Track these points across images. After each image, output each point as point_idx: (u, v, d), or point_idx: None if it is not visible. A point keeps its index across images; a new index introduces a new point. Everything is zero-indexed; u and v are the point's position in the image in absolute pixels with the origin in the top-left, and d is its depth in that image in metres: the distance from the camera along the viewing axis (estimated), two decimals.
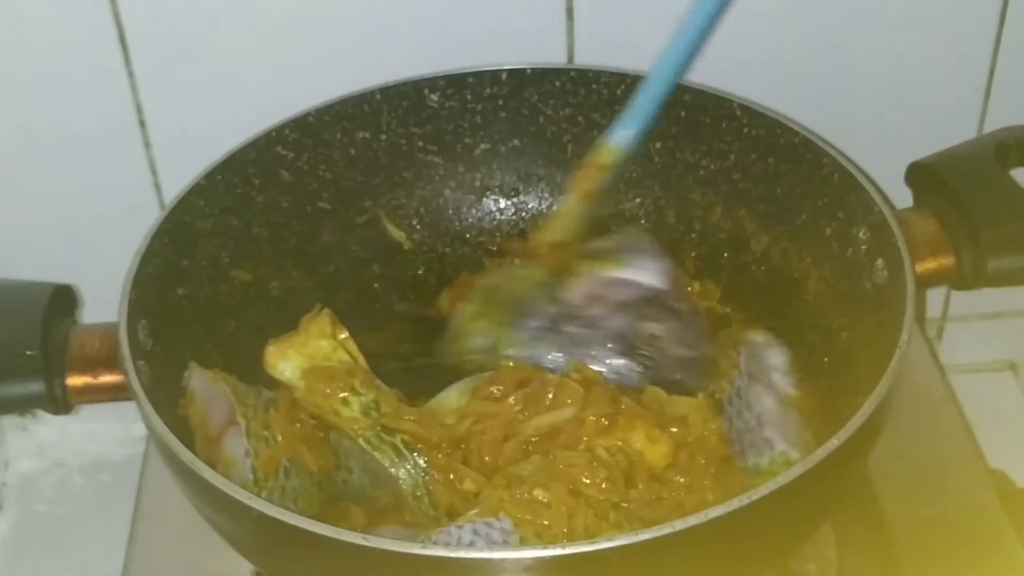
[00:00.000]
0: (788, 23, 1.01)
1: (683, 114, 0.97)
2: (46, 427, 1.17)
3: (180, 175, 0.90)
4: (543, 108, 1.01)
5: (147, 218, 0.88)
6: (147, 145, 1.02)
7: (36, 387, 0.81)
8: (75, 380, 0.82)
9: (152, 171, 1.04)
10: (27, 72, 0.98)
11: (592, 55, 1.01)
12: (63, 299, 0.86)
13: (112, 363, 0.80)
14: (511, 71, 0.99)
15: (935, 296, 1.18)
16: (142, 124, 1.01)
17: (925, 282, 0.87)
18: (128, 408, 1.11)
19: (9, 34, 0.96)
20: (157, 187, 1.05)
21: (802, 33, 1.02)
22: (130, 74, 0.99)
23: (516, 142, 1.02)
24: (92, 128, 1.01)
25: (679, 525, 0.65)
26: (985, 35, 1.03)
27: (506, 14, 1.00)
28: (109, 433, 1.16)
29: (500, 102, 1.00)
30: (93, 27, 0.96)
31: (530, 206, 1.04)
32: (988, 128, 1.07)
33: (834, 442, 0.69)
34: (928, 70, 1.05)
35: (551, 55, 1.02)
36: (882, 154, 0.96)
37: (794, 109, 0.95)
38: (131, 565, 0.90)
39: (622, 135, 0.92)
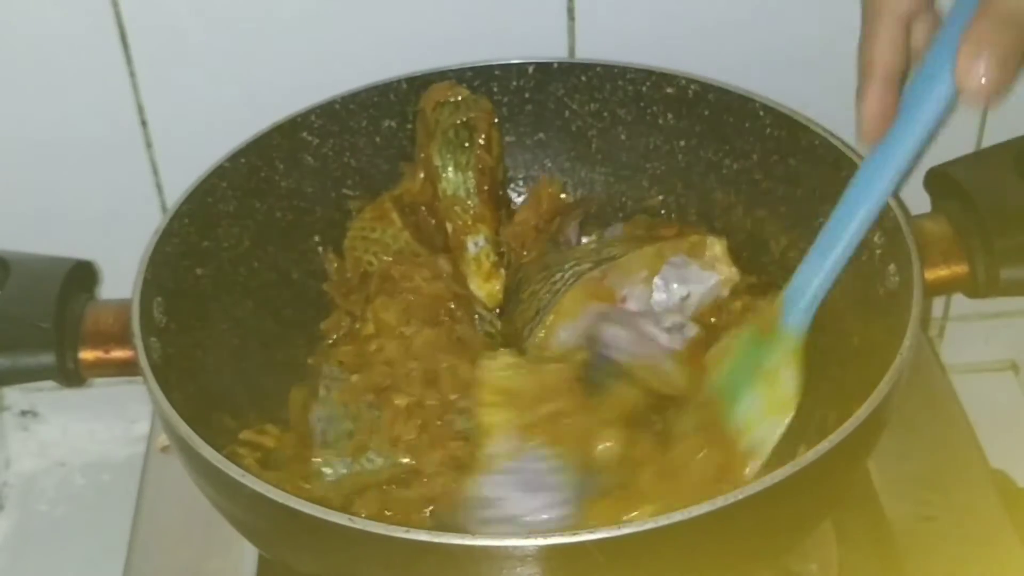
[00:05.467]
0: (814, 23, 1.01)
1: (707, 113, 0.97)
2: (47, 427, 1.19)
3: (181, 175, 0.91)
4: (569, 103, 1.01)
5: (148, 219, 0.89)
6: (148, 145, 1.04)
7: (47, 359, 0.82)
8: (87, 354, 0.83)
9: (153, 171, 1.05)
10: (29, 72, 0.99)
11: (593, 54, 1.01)
12: (82, 275, 0.88)
13: (125, 339, 0.81)
14: (538, 65, 1.00)
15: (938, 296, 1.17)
16: (143, 124, 1.03)
17: (937, 289, 0.87)
18: (129, 408, 1.14)
19: (11, 34, 0.97)
20: (159, 187, 1.06)
21: (828, 33, 1.01)
22: (132, 74, 1.00)
23: (541, 136, 1.03)
24: (93, 129, 1.02)
25: (667, 520, 0.66)
26: None
27: (507, 13, 1.00)
28: (110, 433, 1.18)
29: (526, 95, 1.01)
30: (95, 27, 0.97)
31: None
32: (987, 131, 1.07)
33: (825, 445, 0.69)
34: None
35: (552, 54, 1.02)
36: None
37: (819, 111, 0.94)
38: (132, 565, 0.91)
39: (795, 320, 0.78)
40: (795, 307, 0.78)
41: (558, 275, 0.88)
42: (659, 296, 0.91)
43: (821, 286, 0.78)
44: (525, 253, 0.97)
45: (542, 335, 0.87)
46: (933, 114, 0.73)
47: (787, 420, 0.77)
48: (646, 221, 0.99)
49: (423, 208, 0.97)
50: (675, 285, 0.91)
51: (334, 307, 0.95)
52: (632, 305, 0.89)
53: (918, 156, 0.74)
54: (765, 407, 0.78)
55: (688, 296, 0.91)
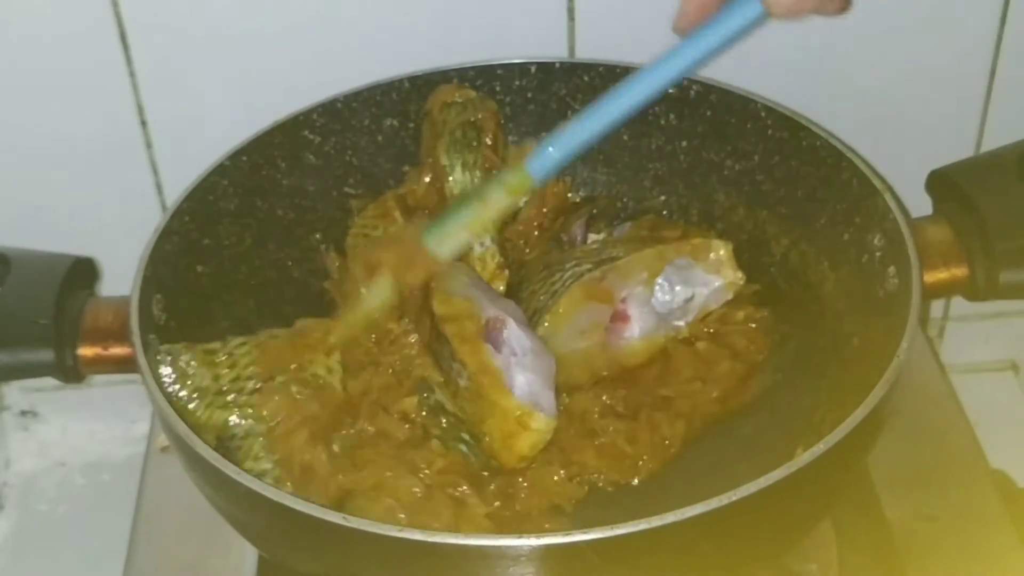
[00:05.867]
0: (815, 24, 1.00)
1: (709, 113, 0.97)
2: (47, 426, 1.19)
3: (181, 175, 0.91)
4: (571, 103, 1.01)
5: (148, 218, 0.89)
6: (148, 145, 1.04)
7: (46, 355, 0.82)
8: (86, 351, 0.84)
9: (153, 171, 1.05)
10: (29, 72, 0.99)
11: (592, 55, 1.02)
12: (82, 272, 0.88)
13: (124, 335, 0.81)
14: (540, 64, 1.00)
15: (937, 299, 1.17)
16: (143, 124, 1.03)
17: (936, 291, 0.87)
18: (129, 408, 1.14)
19: (11, 34, 0.98)
20: (159, 187, 1.06)
21: (829, 34, 1.01)
22: (131, 74, 1.00)
23: (544, 135, 1.02)
24: (93, 128, 1.02)
25: (662, 520, 0.66)
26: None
27: (506, 13, 1.00)
28: (110, 433, 1.18)
29: (529, 95, 1.01)
30: (95, 27, 0.98)
31: None
32: (987, 134, 1.07)
33: (822, 446, 0.69)
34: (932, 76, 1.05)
35: (551, 54, 1.02)
36: (910, 160, 0.96)
37: (820, 112, 0.94)
38: (132, 564, 0.91)
39: (540, 164, 0.83)
40: (544, 155, 0.82)
41: (557, 275, 0.88)
42: (662, 297, 0.91)
43: (577, 147, 0.82)
44: (527, 251, 0.97)
45: (541, 335, 0.87)
46: (739, 26, 0.78)
47: (482, 234, 0.88)
48: (652, 221, 0.99)
49: (427, 212, 0.97)
50: (678, 287, 0.91)
51: (335, 306, 0.95)
52: (632, 307, 0.89)
53: (708, 59, 0.79)
54: (469, 221, 0.84)
55: (692, 298, 0.91)
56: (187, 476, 0.78)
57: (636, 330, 0.90)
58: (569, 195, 1.01)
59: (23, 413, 1.19)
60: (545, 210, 0.99)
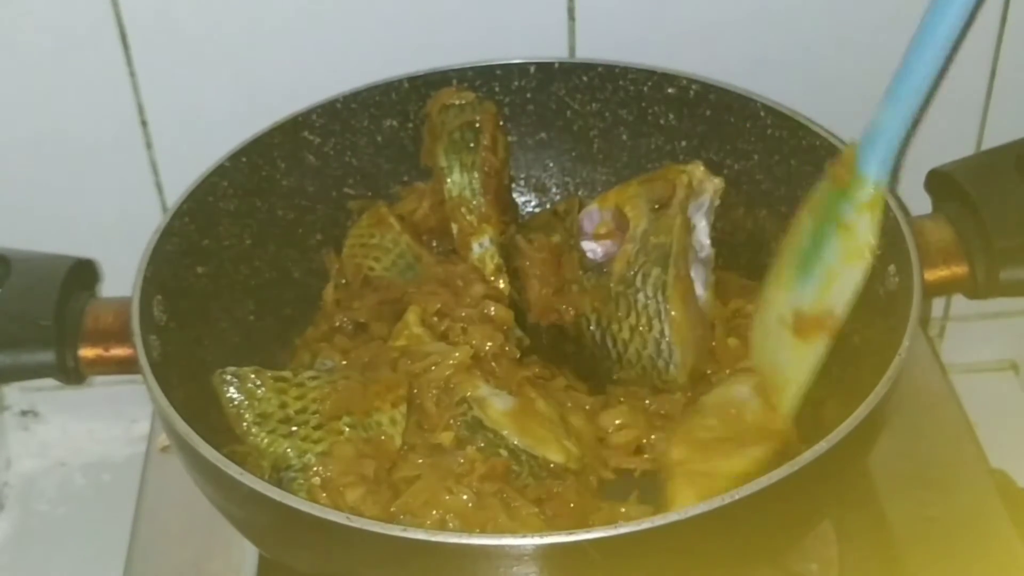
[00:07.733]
0: (815, 24, 1.01)
1: (708, 113, 0.97)
2: (48, 426, 1.19)
3: (181, 175, 0.91)
4: (570, 103, 1.01)
5: (148, 218, 0.89)
6: (148, 145, 1.04)
7: (47, 356, 0.82)
8: (87, 352, 0.84)
9: (153, 171, 1.05)
10: (29, 72, 0.99)
11: (593, 55, 1.02)
12: (83, 273, 0.88)
13: (124, 337, 0.81)
14: (539, 65, 1.00)
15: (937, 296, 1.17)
16: (144, 124, 1.03)
17: (937, 289, 0.87)
18: (129, 408, 1.14)
19: (12, 34, 0.98)
20: (159, 187, 1.06)
21: (829, 33, 1.01)
22: (132, 74, 1.00)
23: (543, 135, 1.03)
24: (94, 128, 1.02)
25: (664, 519, 0.66)
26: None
27: (507, 13, 1.00)
28: (111, 433, 1.18)
29: (528, 95, 1.01)
30: (95, 27, 0.98)
31: (556, 200, 1.04)
32: (987, 132, 1.07)
33: (823, 445, 0.69)
34: None
35: (552, 54, 1.02)
36: (910, 159, 0.96)
37: (819, 111, 0.94)
38: (132, 565, 0.91)
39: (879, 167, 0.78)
40: (873, 153, 0.78)
41: (638, 297, 0.88)
42: (696, 247, 0.92)
43: (899, 130, 0.77)
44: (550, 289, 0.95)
45: (680, 359, 0.87)
46: None
47: (863, 268, 0.79)
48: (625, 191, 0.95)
49: (426, 234, 0.99)
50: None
51: (325, 313, 0.95)
52: (695, 271, 0.91)
53: None
54: (842, 257, 0.80)
55: (695, 228, 0.92)
56: (187, 476, 0.78)
57: (700, 288, 0.91)
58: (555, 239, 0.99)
59: (23, 413, 1.18)
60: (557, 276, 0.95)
